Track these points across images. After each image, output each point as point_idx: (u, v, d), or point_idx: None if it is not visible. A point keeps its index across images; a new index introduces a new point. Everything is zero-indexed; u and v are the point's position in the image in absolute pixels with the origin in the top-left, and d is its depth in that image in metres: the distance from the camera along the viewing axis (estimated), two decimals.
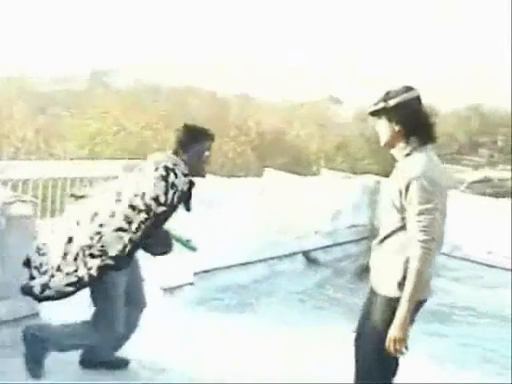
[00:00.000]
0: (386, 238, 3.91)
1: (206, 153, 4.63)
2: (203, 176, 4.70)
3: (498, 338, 7.14)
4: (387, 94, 3.85)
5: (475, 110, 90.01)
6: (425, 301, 3.93)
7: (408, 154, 3.81)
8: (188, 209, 4.61)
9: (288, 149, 37.74)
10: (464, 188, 58.31)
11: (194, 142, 4.58)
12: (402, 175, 3.76)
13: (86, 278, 4.28)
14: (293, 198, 8.89)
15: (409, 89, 3.85)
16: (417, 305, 3.83)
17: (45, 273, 4.36)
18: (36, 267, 4.42)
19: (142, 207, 4.26)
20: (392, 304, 3.78)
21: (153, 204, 4.27)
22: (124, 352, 5.21)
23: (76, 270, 4.28)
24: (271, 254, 8.51)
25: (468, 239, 10.90)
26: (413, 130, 3.80)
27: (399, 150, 3.86)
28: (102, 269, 4.28)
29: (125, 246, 4.30)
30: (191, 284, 7.47)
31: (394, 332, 3.70)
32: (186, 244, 4.90)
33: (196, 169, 4.60)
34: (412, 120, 3.80)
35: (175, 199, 4.35)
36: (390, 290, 3.83)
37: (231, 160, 32.28)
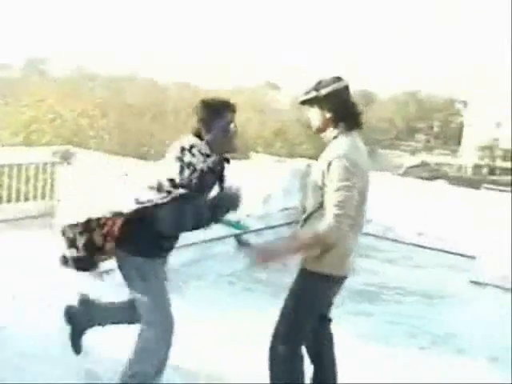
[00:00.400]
0: (309, 215, 4.10)
1: (232, 126, 4.26)
2: (235, 151, 4.36)
3: (422, 315, 7.33)
4: (318, 83, 4.06)
5: (412, 95, 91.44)
6: (345, 277, 4.12)
7: (335, 137, 4.05)
8: (222, 189, 4.38)
9: None
10: (402, 172, 59.31)
11: (215, 117, 4.22)
12: (326, 156, 3.98)
13: None
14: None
15: (338, 79, 4.09)
16: (338, 281, 4.09)
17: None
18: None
19: (162, 189, 4.04)
20: (306, 275, 4.05)
21: (168, 185, 4.01)
22: (52, 335, 5.21)
23: None
24: (202, 238, 8.50)
25: (400, 221, 11.09)
26: (342, 117, 4.05)
27: (328, 134, 4.10)
28: None
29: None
30: None
31: (270, 248, 4.21)
32: (237, 226, 4.81)
33: (225, 145, 4.28)
34: (341, 108, 4.05)
35: (194, 179, 4.03)
36: (308, 263, 4.03)
37: (169, 146, 32.10)
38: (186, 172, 4.00)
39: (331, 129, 4.08)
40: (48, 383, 4.63)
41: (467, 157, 77.87)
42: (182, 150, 4.06)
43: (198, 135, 4.21)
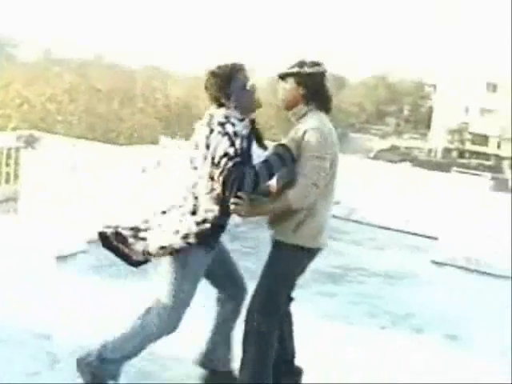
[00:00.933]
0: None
1: (249, 84, 4.23)
2: (260, 106, 4.31)
3: (384, 295, 7.44)
4: (302, 62, 4.25)
5: (382, 79, 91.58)
6: (318, 250, 4.30)
7: (304, 114, 4.24)
8: (265, 148, 4.29)
9: (195, 119, 37.59)
10: (373, 156, 59.57)
11: (230, 82, 4.19)
12: (296, 130, 4.16)
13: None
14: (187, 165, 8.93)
15: (320, 64, 4.29)
16: (312, 253, 4.29)
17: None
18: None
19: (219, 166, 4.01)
20: (282, 247, 4.25)
21: (224, 161, 3.97)
22: (14, 319, 5.23)
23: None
24: None
25: (366, 203, 11.21)
26: (314, 97, 4.25)
27: (297, 111, 4.28)
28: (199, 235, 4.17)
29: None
30: (84, 252, 7.46)
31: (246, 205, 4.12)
32: None
33: (250, 104, 4.24)
34: (316, 88, 4.25)
35: (244, 146, 4.07)
36: (285, 236, 4.25)
37: (138, 131, 31.94)
38: (237, 142, 4.03)
39: (302, 105, 4.25)
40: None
41: (437, 140, 78.33)
42: (221, 124, 4.06)
43: (221, 105, 4.20)
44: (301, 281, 6.89)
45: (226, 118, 4.08)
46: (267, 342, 4.30)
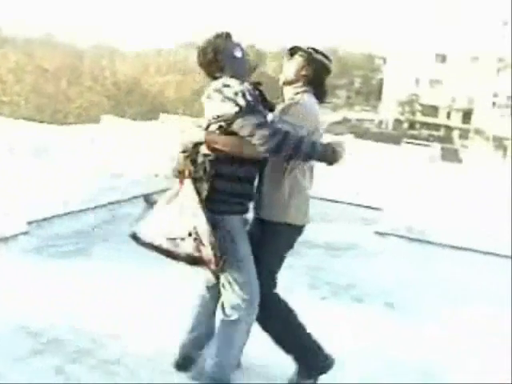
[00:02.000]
0: None
1: (237, 50, 4.19)
2: (256, 67, 4.37)
3: (326, 266, 7.51)
4: (316, 49, 4.39)
5: (333, 52, 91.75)
6: (302, 227, 4.39)
7: (298, 93, 4.31)
8: (271, 108, 4.26)
9: (145, 97, 37.41)
10: (324, 129, 59.90)
11: (216, 54, 4.13)
12: (285, 103, 4.25)
13: None
14: (131, 142, 8.90)
15: (331, 60, 4.45)
16: (300, 229, 4.39)
17: None
18: None
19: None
20: (272, 226, 4.30)
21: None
22: None
23: None
24: (110, 200, 8.51)
25: (315, 177, 11.25)
26: (314, 81, 4.36)
27: (294, 88, 4.35)
28: None
29: None
30: (25, 233, 7.41)
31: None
32: None
33: (243, 72, 4.17)
34: (319, 78, 4.38)
35: (250, 99, 3.94)
36: (274, 216, 4.30)
37: (86, 110, 31.64)
38: (246, 95, 3.93)
39: (299, 84, 4.34)
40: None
41: (387, 112, 78.97)
42: (218, 90, 3.95)
43: (216, 78, 4.12)
44: None
45: (224, 84, 3.98)
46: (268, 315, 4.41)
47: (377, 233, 9.17)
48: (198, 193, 4.02)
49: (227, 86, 3.96)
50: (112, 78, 38.43)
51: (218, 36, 4.21)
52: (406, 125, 77.80)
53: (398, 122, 78.45)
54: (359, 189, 10.98)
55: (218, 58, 4.13)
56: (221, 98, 3.92)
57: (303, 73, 4.32)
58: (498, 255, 8.61)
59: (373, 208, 10.44)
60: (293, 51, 4.41)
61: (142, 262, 6.85)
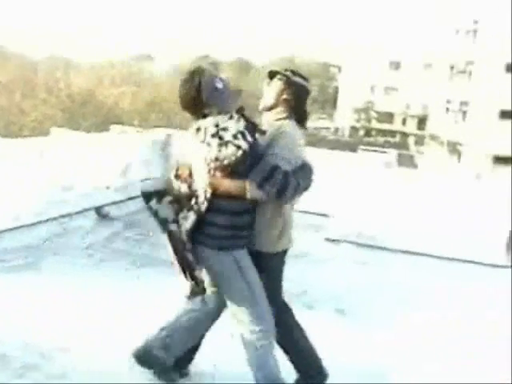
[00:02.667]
0: None
1: (216, 83, 4.12)
2: (239, 94, 4.36)
3: None
4: (294, 71, 4.46)
5: (289, 62, 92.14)
6: (286, 251, 4.50)
7: (282, 118, 4.34)
8: (263, 133, 4.19)
9: (100, 109, 37.20)
10: None
11: (198, 90, 4.06)
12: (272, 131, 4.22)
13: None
14: (81, 154, 8.86)
15: (308, 81, 4.51)
16: (280, 255, 4.46)
17: None
18: None
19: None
20: (266, 257, 4.36)
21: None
22: None
23: None
24: (60, 212, 8.46)
25: None
26: (295, 107, 4.39)
27: (275, 114, 4.37)
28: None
29: None
30: None
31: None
32: None
33: (228, 103, 4.13)
34: (300, 101, 4.41)
35: (250, 139, 3.95)
36: (265, 246, 4.37)
37: (40, 123, 31.35)
38: (246, 135, 3.96)
39: (281, 109, 4.37)
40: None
41: (343, 120, 79.46)
42: (215, 134, 3.93)
43: (204, 116, 4.08)
44: None
45: (216, 125, 3.95)
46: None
47: (327, 239, 9.23)
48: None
49: (224, 129, 3.93)
50: (67, 90, 38.15)
51: (194, 72, 4.15)
52: (361, 132, 78.30)
53: (353, 129, 78.90)
54: (310, 196, 11.01)
55: (201, 94, 4.07)
56: (219, 143, 3.90)
57: (284, 97, 4.36)
58: (450, 259, 8.74)
59: (323, 215, 10.50)
60: (271, 75, 4.45)
61: (93, 275, 6.89)
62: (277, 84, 4.38)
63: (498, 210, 8.95)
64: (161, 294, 6.30)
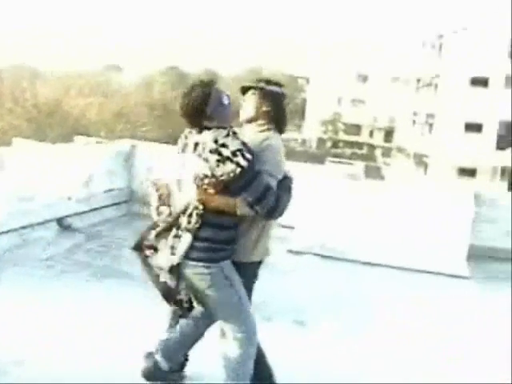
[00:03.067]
0: None
1: (223, 98, 4.17)
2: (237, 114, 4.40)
3: None
4: (267, 80, 4.45)
5: (257, 73, 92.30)
6: (261, 262, 4.59)
7: (263, 130, 4.35)
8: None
9: (66, 119, 36.99)
10: None
11: (206, 102, 4.09)
12: (256, 144, 4.20)
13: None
14: (43, 165, 8.80)
15: (282, 85, 4.54)
16: (254, 265, 4.53)
17: None
18: None
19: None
20: (240, 266, 4.38)
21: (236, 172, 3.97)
22: None
23: None
24: (21, 224, 8.39)
25: None
26: (275, 117, 4.40)
27: (257, 126, 4.37)
28: None
29: None
30: None
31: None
32: None
33: (228, 119, 4.18)
34: (278, 109, 4.42)
35: (249, 156, 3.97)
36: (242, 256, 4.40)
37: (5, 134, 31.07)
38: (245, 153, 3.98)
39: (262, 122, 4.37)
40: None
41: (311, 131, 79.77)
42: (214, 150, 3.97)
43: (204, 128, 4.12)
44: None
45: (215, 140, 3.98)
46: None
47: (290, 251, 9.24)
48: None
49: (223, 145, 3.95)
50: (33, 100, 37.89)
51: (205, 83, 4.18)
52: (329, 144, 78.64)
53: (321, 140, 79.26)
54: None
55: (207, 106, 4.09)
56: (218, 159, 3.93)
57: (263, 109, 4.37)
58: (412, 270, 8.79)
59: (289, 227, 10.51)
60: (244, 90, 4.47)
61: (53, 287, 6.84)
62: (252, 98, 4.39)
63: (460, 222, 9.04)
64: (122, 306, 6.29)
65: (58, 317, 5.98)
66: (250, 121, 4.41)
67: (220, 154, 3.93)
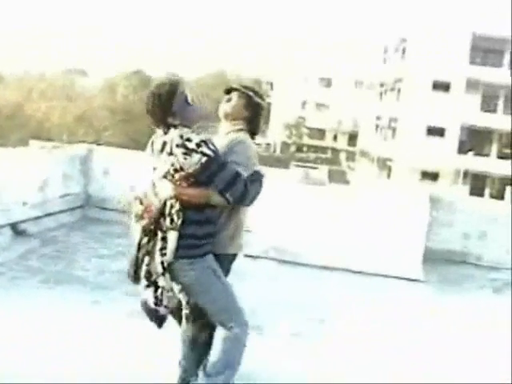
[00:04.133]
0: None
1: (190, 97, 4.27)
2: (206, 115, 4.52)
3: None
4: (256, 91, 4.66)
5: (221, 77, 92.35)
6: (235, 256, 4.69)
7: (237, 130, 4.52)
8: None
9: (28, 123, 36.66)
10: None
11: (172, 99, 4.16)
12: (228, 140, 4.42)
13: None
14: None
15: (264, 98, 4.75)
16: (229, 258, 4.61)
17: None
18: None
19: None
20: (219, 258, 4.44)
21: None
22: None
23: None
24: None
25: None
26: (251, 123, 4.58)
27: (231, 125, 4.54)
28: None
29: None
30: None
31: None
32: None
33: (194, 119, 4.29)
34: (258, 119, 4.63)
35: (215, 149, 4.10)
36: (220, 248, 4.47)
37: None
38: (209, 144, 4.08)
39: (238, 123, 4.53)
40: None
41: (275, 135, 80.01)
42: (179, 144, 4.05)
43: (169, 126, 4.19)
44: (107, 282, 6.92)
45: (181, 136, 4.06)
46: None
47: (246, 255, 9.20)
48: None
49: (188, 139, 4.04)
50: None
51: (173, 81, 4.26)
52: (293, 148, 78.95)
53: (285, 145, 79.58)
54: None
55: (173, 103, 4.16)
56: (184, 152, 4.02)
57: (244, 114, 4.53)
58: (367, 274, 8.81)
59: (247, 231, 10.47)
60: (229, 90, 4.62)
61: (3, 294, 6.74)
62: (237, 100, 4.55)
63: (415, 226, 9.10)
64: (74, 312, 6.22)
65: (7, 323, 5.90)
66: (228, 117, 4.54)
67: (186, 147, 4.03)
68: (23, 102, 39.51)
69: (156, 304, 4.35)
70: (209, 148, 4.07)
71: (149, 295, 4.35)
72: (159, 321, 4.48)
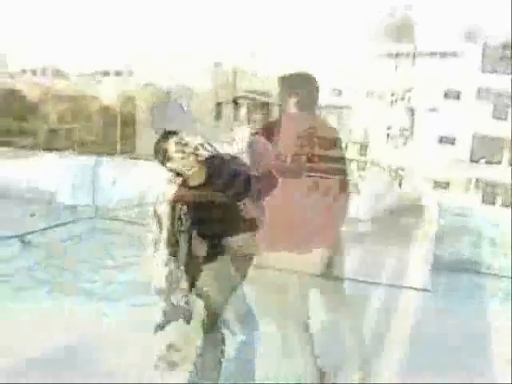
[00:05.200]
0: None
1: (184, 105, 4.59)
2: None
3: None
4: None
5: (229, 90, 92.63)
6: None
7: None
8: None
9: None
10: None
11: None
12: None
13: None
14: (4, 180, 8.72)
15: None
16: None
17: None
18: None
19: None
20: None
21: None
22: None
23: None
24: None
25: None
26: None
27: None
28: None
29: None
30: None
31: None
32: None
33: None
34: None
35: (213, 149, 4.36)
36: None
37: None
38: (206, 145, 4.31)
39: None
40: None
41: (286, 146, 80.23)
42: (178, 150, 4.22)
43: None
44: (114, 294, 6.90)
45: (179, 143, 4.24)
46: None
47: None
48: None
49: (186, 144, 4.25)
50: None
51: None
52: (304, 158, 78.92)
53: (296, 155, 79.57)
54: None
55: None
56: (182, 156, 4.23)
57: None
58: (379, 284, 8.77)
59: None
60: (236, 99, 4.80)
61: (12, 300, 6.74)
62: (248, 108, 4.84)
63: (424, 234, 9.06)
64: (81, 323, 6.21)
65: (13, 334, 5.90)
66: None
67: (183, 152, 4.22)
68: None
69: (186, 303, 4.42)
70: (205, 149, 4.25)
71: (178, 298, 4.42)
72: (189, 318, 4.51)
